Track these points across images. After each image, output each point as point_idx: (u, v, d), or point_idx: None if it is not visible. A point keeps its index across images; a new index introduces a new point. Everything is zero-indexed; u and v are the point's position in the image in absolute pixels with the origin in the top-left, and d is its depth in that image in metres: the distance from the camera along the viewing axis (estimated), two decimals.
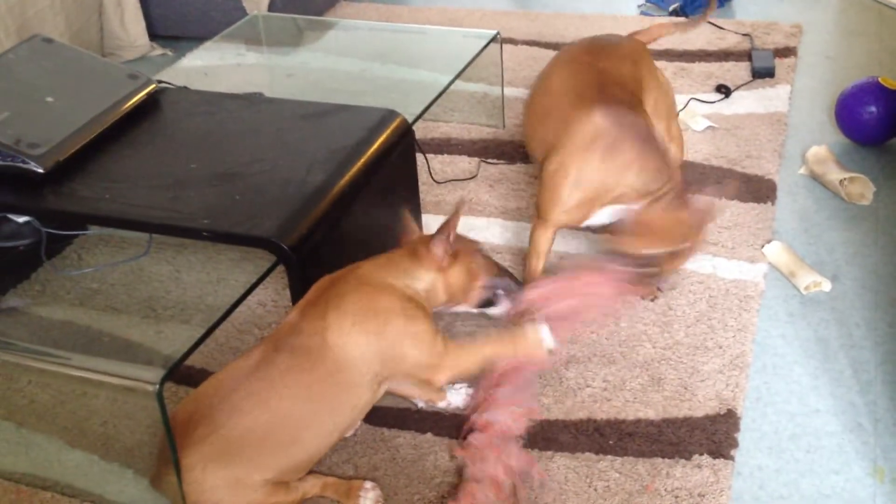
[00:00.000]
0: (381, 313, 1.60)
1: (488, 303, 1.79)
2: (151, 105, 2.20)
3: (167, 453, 1.53)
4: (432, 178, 2.64)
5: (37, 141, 1.95)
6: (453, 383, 1.84)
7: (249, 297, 1.82)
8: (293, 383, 1.55)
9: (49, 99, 2.10)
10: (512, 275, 1.82)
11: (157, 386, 1.46)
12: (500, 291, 1.78)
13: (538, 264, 2.02)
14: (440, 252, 1.70)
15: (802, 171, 2.61)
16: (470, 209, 2.50)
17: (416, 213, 2.27)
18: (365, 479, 1.72)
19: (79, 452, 1.83)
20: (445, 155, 2.77)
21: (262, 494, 1.58)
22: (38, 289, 2.28)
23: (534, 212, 2.02)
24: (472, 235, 2.38)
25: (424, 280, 1.70)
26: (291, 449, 1.58)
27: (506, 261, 2.30)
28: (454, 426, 1.84)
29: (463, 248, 1.75)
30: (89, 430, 1.86)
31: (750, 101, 2.97)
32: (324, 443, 1.62)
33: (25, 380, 1.99)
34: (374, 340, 1.58)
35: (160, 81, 2.38)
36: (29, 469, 1.82)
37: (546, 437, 1.81)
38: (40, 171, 1.93)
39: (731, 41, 3.37)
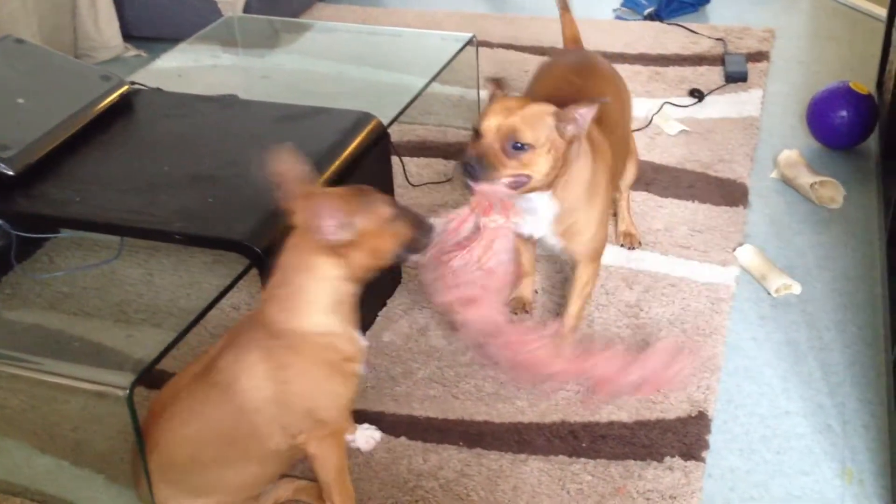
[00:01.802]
0: (292, 369, 1.47)
1: (402, 257, 1.54)
2: (124, 107, 2.18)
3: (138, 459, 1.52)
4: (408, 180, 2.64)
5: (7, 143, 1.93)
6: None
7: (222, 301, 1.82)
8: (206, 414, 1.49)
9: (20, 100, 2.08)
10: (418, 217, 1.54)
11: (128, 391, 1.45)
12: (410, 251, 1.53)
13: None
14: (327, 243, 1.42)
15: (774, 174, 2.64)
16: (446, 213, 2.50)
17: None
18: None
19: (49, 458, 1.81)
20: (421, 158, 2.77)
21: None
22: (8, 292, 2.26)
23: (590, 262, 1.94)
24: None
25: (329, 293, 1.46)
26: (224, 472, 1.53)
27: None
28: (428, 429, 1.84)
29: (365, 217, 1.44)
30: (60, 435, 1.85)
31: (723, 105, 2.99)
32: (260, 471, 1.57)
33: None
34: (282, 391, 1.47)
35: (133, 83, 2.36)
36: None
37: (520, 440, 1.82)
38: (10, 173, 1.90)
39: (704, 45, 3.40)
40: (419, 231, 1.51)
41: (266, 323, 1.47)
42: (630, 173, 2.28)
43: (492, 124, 1.64)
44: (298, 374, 1.47)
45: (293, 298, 1.46)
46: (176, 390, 1.53)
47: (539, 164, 1.65)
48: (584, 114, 1.65)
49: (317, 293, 1.46)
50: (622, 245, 2.34)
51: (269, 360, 1.46)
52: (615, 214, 2.37)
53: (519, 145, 1.62)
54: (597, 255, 1.93)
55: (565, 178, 1.73)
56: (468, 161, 1.62)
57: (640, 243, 2.34)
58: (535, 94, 2.00)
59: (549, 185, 1.71)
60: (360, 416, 1.86)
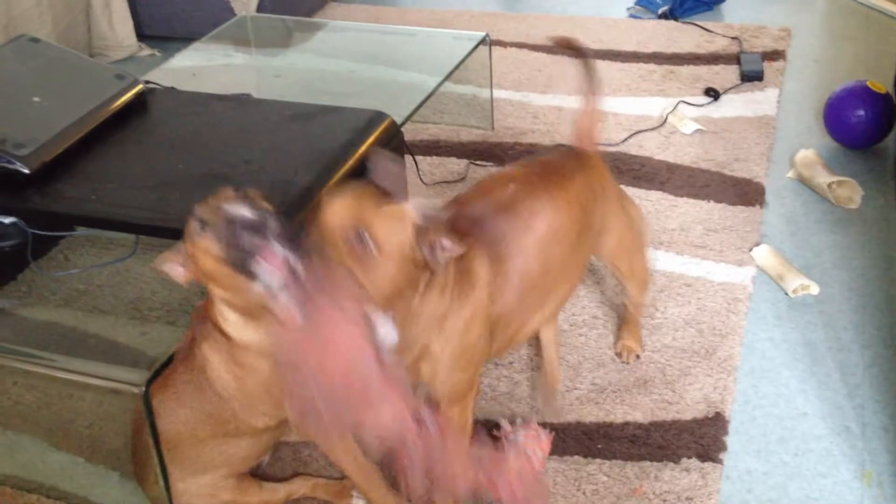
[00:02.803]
0: (245, 368, 1.45)
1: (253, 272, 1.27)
2: (139, 105, 2.19)
3: (145, 456, 1.52)
4: (421, 180, 2.64)
5: (23, 141, 1.93)
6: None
7: None
8: (195, 396, 1.50)
9: (35, 99, 2.08)
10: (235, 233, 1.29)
11: (143, 388, 1.45)
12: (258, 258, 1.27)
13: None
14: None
15: (790, 174, 2.62)
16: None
17: None
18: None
19: (64, 454, 1.81)
20: (434, 157, 2.77)
21: (231, 493, 1.58)
22: (23, 290, 2.26)
23: (452, 404, 1.55)
24: None
25: (232, 314, 1.40)
26: (224, 447, 1.55)
27: None
28: None
29: (191, 267, 1.37)
30: (74, 431, 1.85)
31: (738, 104, 2.97)
32: (258, 443, 1.58)
33: (10, 381, 1.97)
34: (244, 386, 1.47)
35: (148, 82, 2.37)
36: (14, 471, 1.80)
37: None
38: (26, 171, 1.91)
39: (719, 44, 3.38)
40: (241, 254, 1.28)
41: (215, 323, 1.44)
42: (636, 290, 1.93)
43: (338, 210, 1.25)
44: (251, 375, 1.45)
45: (214, 316, 1.43)
46: (167, 375, 1.53)
47: (381, 274, 1.26)
48: (447, 247, 1.30)
49: (222, 315, 1.41)
50: (618, 354, 2.00)
51: (224, 355, 1.45)
52: (621, 322, 2.04)
53: (366, 238, 1.24)
54: (458, 397, 1.54)
55: (411, 305, 1.38)
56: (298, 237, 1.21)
57: (637, 357, 1.98)
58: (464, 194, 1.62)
59: (385, 305, 1.30)
60: None
